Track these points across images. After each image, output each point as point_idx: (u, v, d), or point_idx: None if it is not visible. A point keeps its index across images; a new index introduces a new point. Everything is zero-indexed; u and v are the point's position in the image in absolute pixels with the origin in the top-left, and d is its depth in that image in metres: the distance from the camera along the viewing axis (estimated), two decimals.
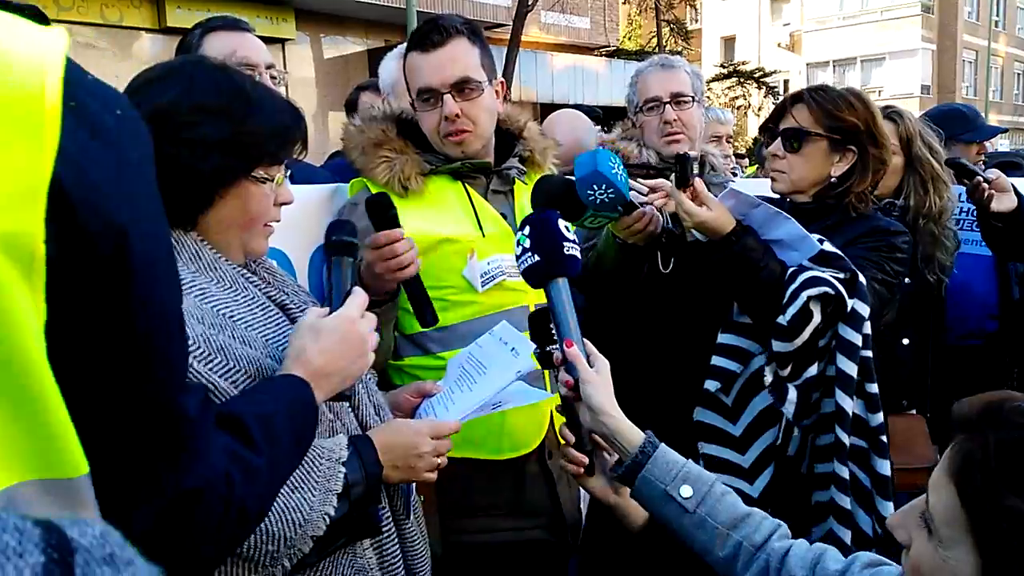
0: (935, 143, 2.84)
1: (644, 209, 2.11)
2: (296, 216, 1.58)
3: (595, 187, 1.90)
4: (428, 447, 1.54)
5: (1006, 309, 3.30)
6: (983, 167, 3.66)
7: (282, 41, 15.55)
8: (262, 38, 2.62)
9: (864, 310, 2.03)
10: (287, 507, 1.28)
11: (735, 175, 4.85)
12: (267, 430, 1.14)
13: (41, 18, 2.23)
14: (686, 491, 1.40)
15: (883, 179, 2.78)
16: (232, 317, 1.36)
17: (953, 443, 1.03)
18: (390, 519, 1.54)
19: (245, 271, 1.47)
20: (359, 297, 1.43)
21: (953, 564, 1.00)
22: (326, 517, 1.32)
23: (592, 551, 2.15)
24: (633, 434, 1.47)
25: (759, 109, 26.08)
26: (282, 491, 1.28)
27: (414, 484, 1.62)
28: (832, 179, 2.24)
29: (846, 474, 2.03)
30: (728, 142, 4.33)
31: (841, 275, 2.00)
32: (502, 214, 2.14)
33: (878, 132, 2.23)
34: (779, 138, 2.27)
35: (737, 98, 26.19)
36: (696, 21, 37.54)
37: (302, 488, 1.31)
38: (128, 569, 0.46)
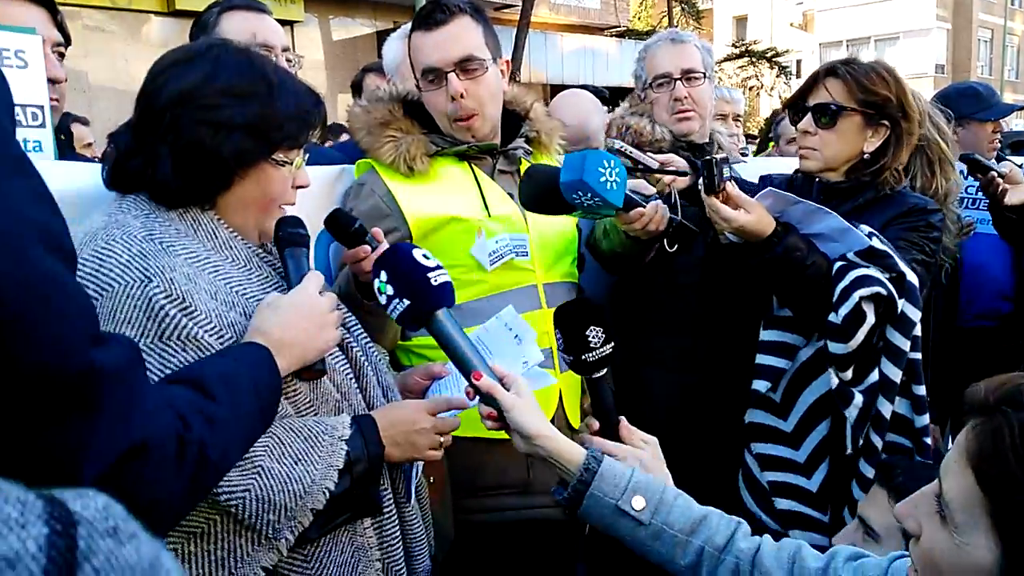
0: (943, 124, 2.80)
1: (645, 208, 1.97)
2: (303, 197, 1.58)
3: (579, 193, 1.76)
4: (427, 423, 1.54)
5: (1021, 291, 3.28)
6: (998, 145, 3.62)
7: (291, 23, 15.50)
8: None
9: (915, 315, 1.97)
10: (289, 478, 1.31)
11: (744, 155, 4.81)
12: (226, 385, 1.17)
13: (48, 2, 2.19)
14: (638, 503, 1.31)
15: None
16: (244, 295, 1.39)
17: (968, 427, 1.01)
18: (391, 500, 1.55)
19: (260, 251, 1.50)
20: (315, 276, 1.45)
21: (971, 550, 0.97)
22: (326, 491, 1.35)
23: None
24: (574, 452, 1.38)
25: (771, 89, 25.84)
26: (285, 463, 1.31)
27: (416, 468, 1.63)
28: (865, 155, 2.16)
29: (871, 474, 2.01)
30: (735, 121, 4.26)
31: (888, 275, 1.93)
32: (509, 194, 2.13)
33: (908, 105, 2.15)
34: (809, 114, 2.17)
35: (749, 78, 25.93)
36: (708, 1, 37.19)
37: (304, 461, 1.34)
38: (132, 542, 0.46)
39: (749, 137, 7.77)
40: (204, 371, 1.19)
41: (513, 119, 2.24)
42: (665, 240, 2.15)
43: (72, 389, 0.88)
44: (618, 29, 22.14)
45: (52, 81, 2.02)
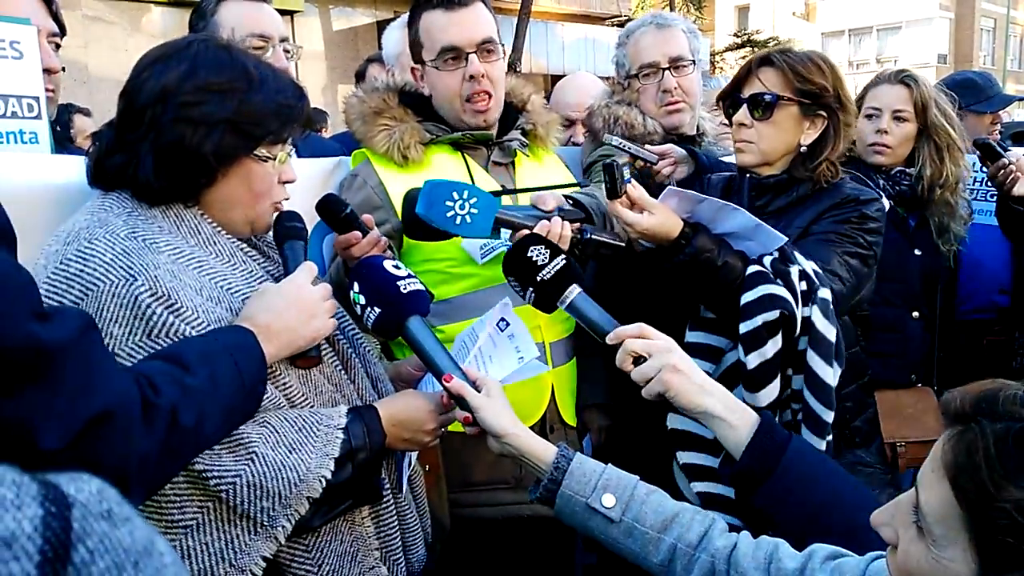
0: (950, 109, 2.77)
1: (532, 229, 1.79)
2: (299, 189, 1.59)
3: (432, 224, 1.66)
4: (434, 423, 1.57)
5: (1019, 284, 3.26)
6: (998, 136, 3.60)
7: (291, 13, 15.42)
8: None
9: (827, 373, 1.83)
10: (283, 465, 1.31)
11: None
12: (203, 359, 1.20)
13: None
14: (608, 500, 1.31)
15: (895, 148, 2.72)
16: (229, 289, 1.39)
17: (944, 436, 0.97)
18: (389, 490, 1.57)
19: (244, 245, 1.50)
20: (308, 266, 1.47)
21: (948, 564, 0.93)
22: (322, 480, 1.36)
23: None
24: (545, 451, 1.38)
25: None
26: (279, 451, 1.32)
27: (410, 458, 1.65)
28: (802, 148, 2.07)
29: None
30: None
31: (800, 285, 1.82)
32: (502, 186, 2.11)
33: (845, 96, 2.08)
34: (744, 105, 2.07)
35: None
36: None
37: (299, 450, 1.34)
38: (126, 525, 0.47)
39: None
40: (182, 347, 1.22)
41: (510, 111, 2.23)
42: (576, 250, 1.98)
43: (17, 364, 0.89)
44: (620, 19, 22.03)
45: (47, 71, 2.02)
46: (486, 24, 2.06)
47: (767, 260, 1.86)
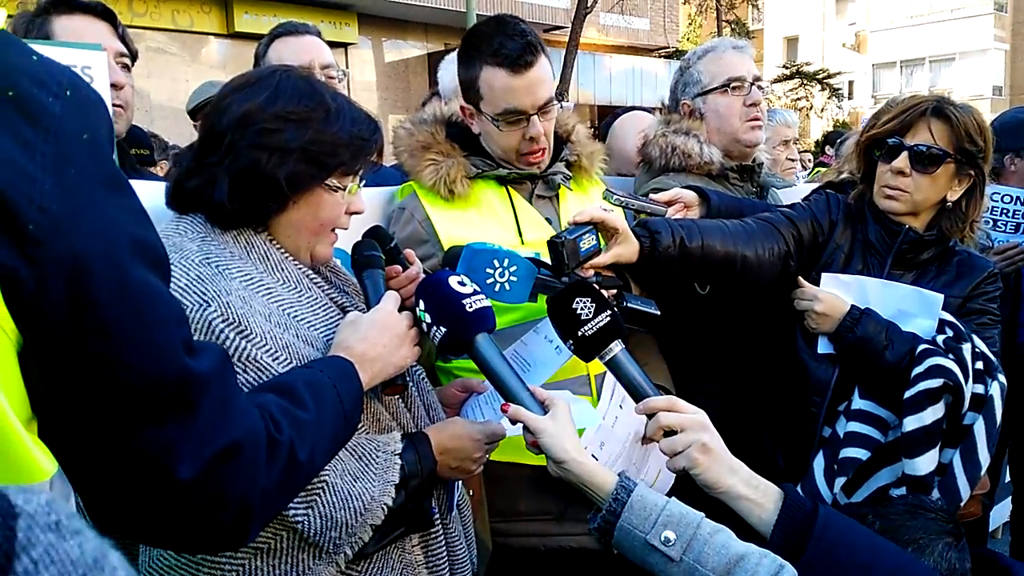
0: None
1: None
2: (360, 217, 1.59)
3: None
4: (481, 452, 1.58)
5: None
6: None
7: (345, 45, 15.82)
8: (327, 43, 2.70)
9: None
10: (350, 495, 1.34)
11: (798, 179, 4.75)
12: (313, 393, 1.22)
13: (109, 16, 2.27)
14: (669, 537, 1.24)
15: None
16: (296, 317, 1.42)
17: None
18: (438, 517, 1.57)
19: (310, 272, 1.52)
20: (393, 296, 1.50)
21: None
22: (385, 507, 1.38)
23: None
24: (605, 480, 1.32)
25: (821, 111, 25.53)
26: (346, 480, 1.34)
27: (458, 484, 1.65)
28: (948, 204, 2.08)
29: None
30: (794, 144, 4.29)
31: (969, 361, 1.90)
32: (547, 219, 2.10)
33: (990, 156, 2.08)
34: (905, 153, 2.03)
35: (800, 99, 25.62)
36: (758, 21, 36.86)
37: (362, 478, 1.37)
38: (75, 538, 0.47)
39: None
40: (292, 379, 1.24)
41: (555, 142, 2.20)
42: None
43: (167, 393, 0.91)
44: (667, 50, 22.10)
45: (114, 86, 2.08)
46: (549, 83, 2.02)
47: (940, 338, 1.94)
